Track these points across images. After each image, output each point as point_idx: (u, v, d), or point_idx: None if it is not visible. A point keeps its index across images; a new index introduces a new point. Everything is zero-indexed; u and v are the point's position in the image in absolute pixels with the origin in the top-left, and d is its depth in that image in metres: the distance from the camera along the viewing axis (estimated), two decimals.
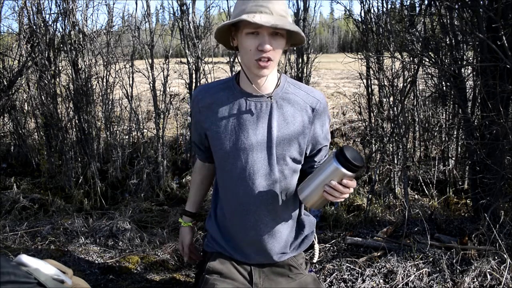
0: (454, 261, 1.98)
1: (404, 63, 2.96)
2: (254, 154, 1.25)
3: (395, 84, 3.15)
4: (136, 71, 3.71)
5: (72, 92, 3.39)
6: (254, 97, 1.27)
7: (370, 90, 3.62)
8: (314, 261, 1.52)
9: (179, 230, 1.56)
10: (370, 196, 2.75)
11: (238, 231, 1.32)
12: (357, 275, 1.99)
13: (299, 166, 1.33)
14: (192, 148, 1.60)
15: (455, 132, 3.30)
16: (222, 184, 1.34)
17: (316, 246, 1.50)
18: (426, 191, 3.11)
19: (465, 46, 2.67)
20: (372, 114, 3.67)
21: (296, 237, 1.39)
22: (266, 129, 1.25)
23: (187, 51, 3.55)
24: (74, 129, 3.58)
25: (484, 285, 1.85)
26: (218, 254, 1.38)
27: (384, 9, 3.29)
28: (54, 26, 3.40)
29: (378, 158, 3.31)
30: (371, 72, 3.48)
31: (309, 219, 1.43)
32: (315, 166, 1.36)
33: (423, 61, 2.57)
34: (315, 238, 1.49)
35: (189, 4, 3.48)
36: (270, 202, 1.28)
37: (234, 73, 3.69)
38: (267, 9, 1.14)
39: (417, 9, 3.34)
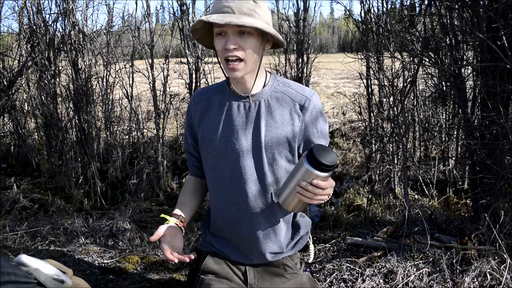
0: (454, 261, 1.98)
1: (404, 63, 2.96)
2: (244, 158, 1.25)
3: (395, 84, 3.15)
4: (136, 71, 3.71)
5: (72, 92, 3.39)
6: (242, 98, 1.27)
7: (370, 90, 3.62)
8: (310, 261, 1.51)
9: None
10: (370, 196, 2.75)
11: (232, 231, 1.32)
12: (357, 275, 1.99)
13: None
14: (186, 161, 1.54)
15: (455, 132, 3.30)
16: (214, 186, 1.33)
17: (311, 247, 1.49)
18: (426, 191, 3.11)
19: (465, 46, 2.67)
20: (372, 114, 3.67)
21: (291, 238, 1.38)
22: (253, 125, 1.25)
23: (187, 51, 3.55)
24: (74, 129, 3.58)
25: (484, 285, 1.85)
26: (213, 254, 1.37)
27: (384, 9, 3.29)
28: (54, 26, 3.40)
29: (378, 158, 3.31)
30: (371, 72, 3.48)
31: (304, 220, 1.42)
32: None
33: (423, 61, 2.57)
34: (309, 238, 1.48)
35: (189, 4, 3.49)
36: (263, 203, 1.27)
37: None
38: (229, 9, 1.15)
39: (417, 9, 3.35)
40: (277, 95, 1.27)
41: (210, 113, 1.31)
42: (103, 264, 2.25)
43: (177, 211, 1.33)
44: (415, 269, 1.95)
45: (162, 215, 1.30)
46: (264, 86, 1.28)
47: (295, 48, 3.92)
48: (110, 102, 3.84)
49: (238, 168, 1.25)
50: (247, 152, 1.25)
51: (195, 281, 1.35)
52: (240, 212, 1.28)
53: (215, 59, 3.95)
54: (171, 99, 3.70)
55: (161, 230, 1.23)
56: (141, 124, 3.82)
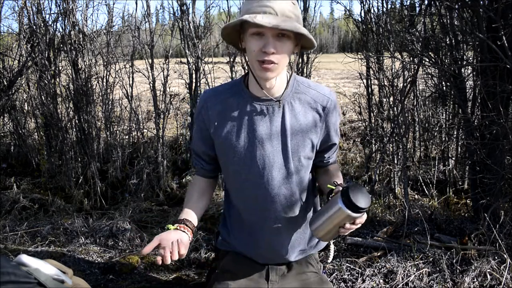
0: (454, 261, 1.98)
1: (404, 63, 2.96)
2: (271, 164, 1.24)
3: (395, 84, 3.15)
4: (136, 71, 3.71)
5: (72, 92, 3.39)
6: (265, 101, 1.24)
7: (370, 90, 3.62)
8: (329, 261, 1.51)
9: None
10: (370, 196, 2.75)
11: (256, 231, 1.32)
12: (357, 275, 1.99)
13: (311, 162, 1.33)
14: (192, 162, 1.50)
15: (455, 132, 3.30)
16: (238, 190, 1.32)
17: (332, 247, 1.49)
18: (426, 191, 3.10)
19: (465, 46, 2.67)
20: (372, 114, 3.67)
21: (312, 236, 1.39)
22: (280, 129, 1.24)
23: (187, 51, 3.54)
24: (74, 129, 3.58)
25: (484, 285, 1.85)
26: (233, 253, 1.38)
27: (384, 9, 3.29)
28: (54, 26, 3.39)
29: (378, 158, 3.31)
30: (371, 72, 3.48)
31: None
32: (324, 161, 1.37)
33: (423, 61, 2.57)
34: None
35: (189, 4, 3.48)
36: (287, 200, 1.28)
37: (235, 73, 3.69)
38: (271, 9, 1.09)
39: (417, 9, 3.34)
40: (300, 97, 1.27)
41: (228, 117, 1.26)
42: (103, 264, 2.25)
43: (182, 216, 1.25)
44: (415, 269, 1.95)
45: (167, 226, 1.21)
46: (286, 88, 1.25)
47: None
48: (110, 102, 3.84)
49: (264, 172, 1.24)
50: (273, 157, 1.24)
51: (212, 279, 1.35)
52: (264, 213, 1.28)
53: (215, 59, 3.95)
54: (171, 99, 3.70)
55: (154, 242, 1.15)
56: (141, 124, 3.82)
